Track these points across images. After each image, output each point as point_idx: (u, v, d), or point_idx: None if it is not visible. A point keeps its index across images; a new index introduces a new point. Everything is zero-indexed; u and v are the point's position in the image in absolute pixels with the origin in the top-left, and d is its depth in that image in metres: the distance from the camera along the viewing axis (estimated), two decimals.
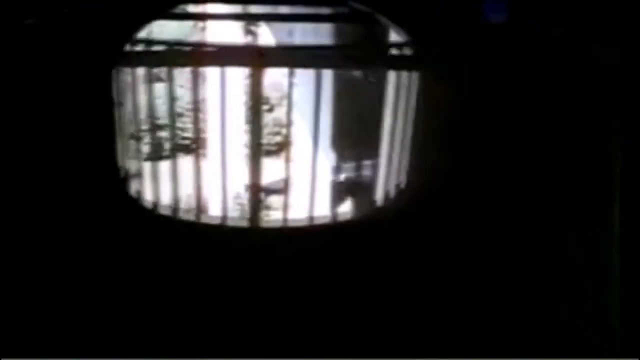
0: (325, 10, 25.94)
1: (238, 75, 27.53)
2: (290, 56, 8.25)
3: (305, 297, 6.15)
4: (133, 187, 7.06)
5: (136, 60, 6.88)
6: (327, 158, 27.73)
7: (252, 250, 6.73)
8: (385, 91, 7.19)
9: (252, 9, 28.75)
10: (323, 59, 8.13)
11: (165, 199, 7.90)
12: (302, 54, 8.47)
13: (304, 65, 7.52)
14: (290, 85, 8.23)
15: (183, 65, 6.92)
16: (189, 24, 32.26)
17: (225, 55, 7.77)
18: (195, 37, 32.43)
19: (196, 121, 10.79)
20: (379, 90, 7.74)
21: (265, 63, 7.20)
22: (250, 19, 31.14)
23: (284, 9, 28.41)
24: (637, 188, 3.48)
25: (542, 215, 5.07)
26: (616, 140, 3.82)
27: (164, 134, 29.75)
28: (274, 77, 34.05)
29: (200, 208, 9.83)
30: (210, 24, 26.32)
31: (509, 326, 5.89)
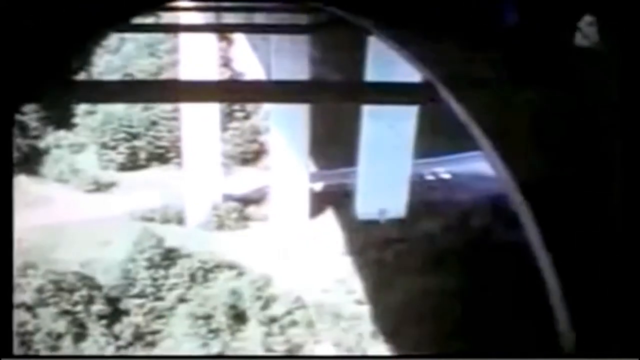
0: (302, 19, 25.10)
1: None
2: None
3: None
4: None
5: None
6: (305, 166, 27.25)
7: None
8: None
9: (228, 18, 27.71)
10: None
11: None
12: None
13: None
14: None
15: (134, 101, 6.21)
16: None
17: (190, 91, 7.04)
18: (167, 44, 31.77)
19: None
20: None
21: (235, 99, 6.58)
22: (225, 31, 30.43)
23: (259, 18, 27.47)
24: (638, 190, 3.24)
25: None
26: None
27: (138, 143, 28.67)
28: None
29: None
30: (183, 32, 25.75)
31: None
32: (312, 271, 23.04)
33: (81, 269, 20.36)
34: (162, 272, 20.29)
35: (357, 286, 22.77)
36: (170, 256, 20.67)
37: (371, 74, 25.76)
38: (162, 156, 29.98)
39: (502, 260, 24.68)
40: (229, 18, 27.47)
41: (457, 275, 23.29)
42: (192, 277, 20.50)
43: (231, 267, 21.25)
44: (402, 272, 23.78)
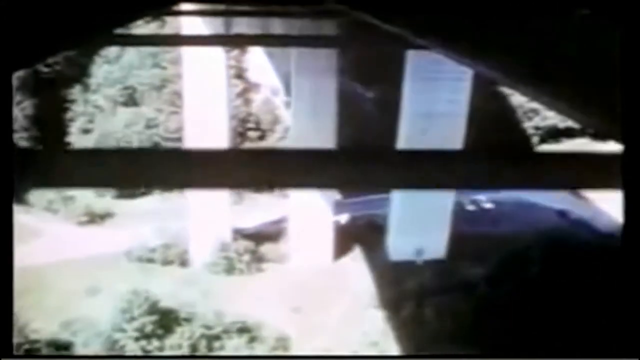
0: (326, 27, 22.12)
1: (220, 98, 23.47)
2: None
3: None
4: None
5: None
6: (328, 194, 23.94)
7: None
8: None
9: (239, 24, 24.34)
10: None
11: None
12: None
13: None
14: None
15: None
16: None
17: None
18: (173, 53, 28.53)
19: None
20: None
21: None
22: (237, 43, 27.01)
23: (277, 26, 23.97)
24: (638, 187, 3.11)
25: None
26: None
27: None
28: (264, 94, 30.31)
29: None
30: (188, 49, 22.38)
31: None
32: (338, 331, 19.54)
33: (59, 333, 16.93)
34: (156, 344, 16.82)
35: (391, 349, 19.22)
36: (166, 321, 17.09)
37: (410, 88, 22.52)
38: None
39: (565, 312, 21.23)
40: (241, 25, 24.13)
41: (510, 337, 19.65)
42: (194, 348, 16.86)
43: (241, 330, 17.62)
44: (444, 332, 20.18)
